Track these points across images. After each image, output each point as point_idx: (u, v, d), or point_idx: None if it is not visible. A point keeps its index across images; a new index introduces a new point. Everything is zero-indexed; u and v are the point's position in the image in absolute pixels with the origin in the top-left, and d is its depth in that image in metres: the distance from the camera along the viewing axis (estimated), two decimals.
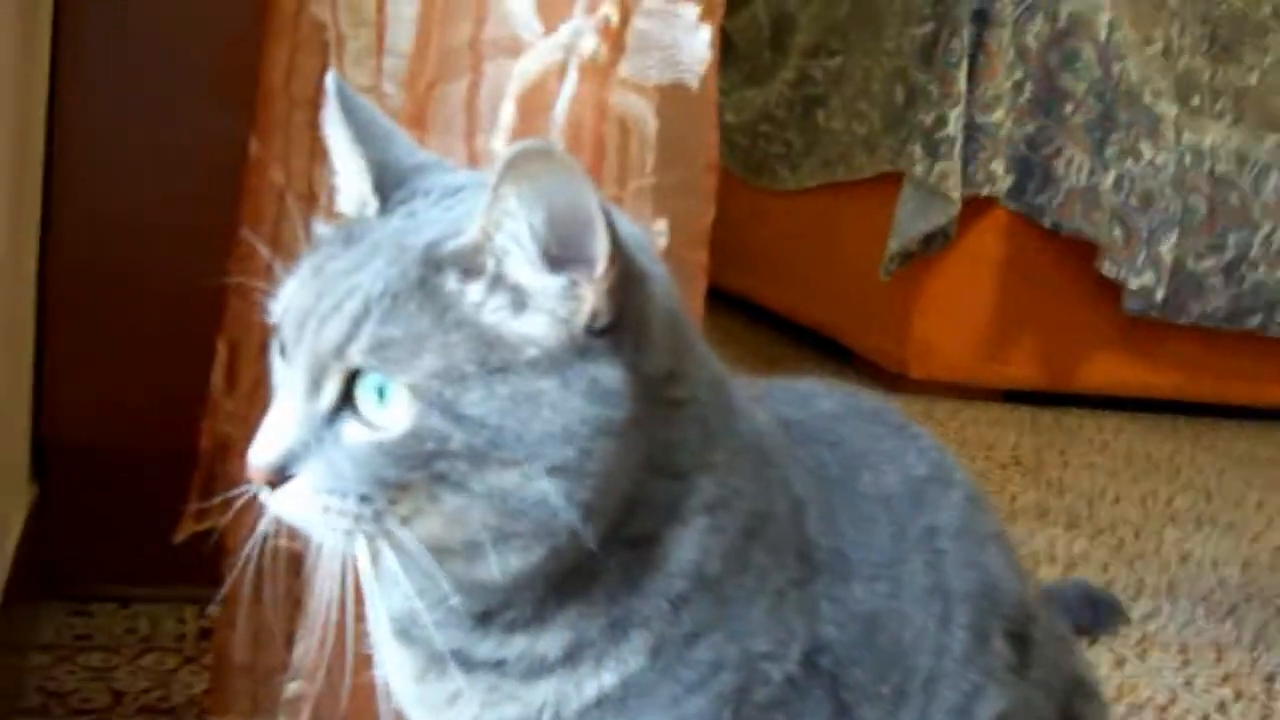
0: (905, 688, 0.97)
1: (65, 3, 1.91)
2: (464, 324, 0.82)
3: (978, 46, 3.77)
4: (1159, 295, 3.92)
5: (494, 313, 0.83)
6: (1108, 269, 3.90)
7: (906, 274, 3.91)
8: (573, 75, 1.17)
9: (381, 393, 0.82)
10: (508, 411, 0.81)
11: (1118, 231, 3.89)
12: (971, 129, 3.77)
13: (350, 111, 0.92)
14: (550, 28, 1.18)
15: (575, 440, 0.82)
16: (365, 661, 1.34)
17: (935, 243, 3.85)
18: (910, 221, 3.81)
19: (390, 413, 0.82)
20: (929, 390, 4.01)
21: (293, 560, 1.04)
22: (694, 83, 1.24)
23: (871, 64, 4.14)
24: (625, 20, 1.20)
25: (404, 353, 0.81)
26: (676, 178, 1.27)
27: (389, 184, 0.90)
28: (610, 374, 0.83)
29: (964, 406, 3.97)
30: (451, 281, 0.83)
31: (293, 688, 1.31)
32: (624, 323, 0.84)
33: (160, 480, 1.58)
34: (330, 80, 0.93)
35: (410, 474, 0.82)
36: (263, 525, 0.89)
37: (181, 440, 1.60)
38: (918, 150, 3.76)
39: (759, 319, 4.61)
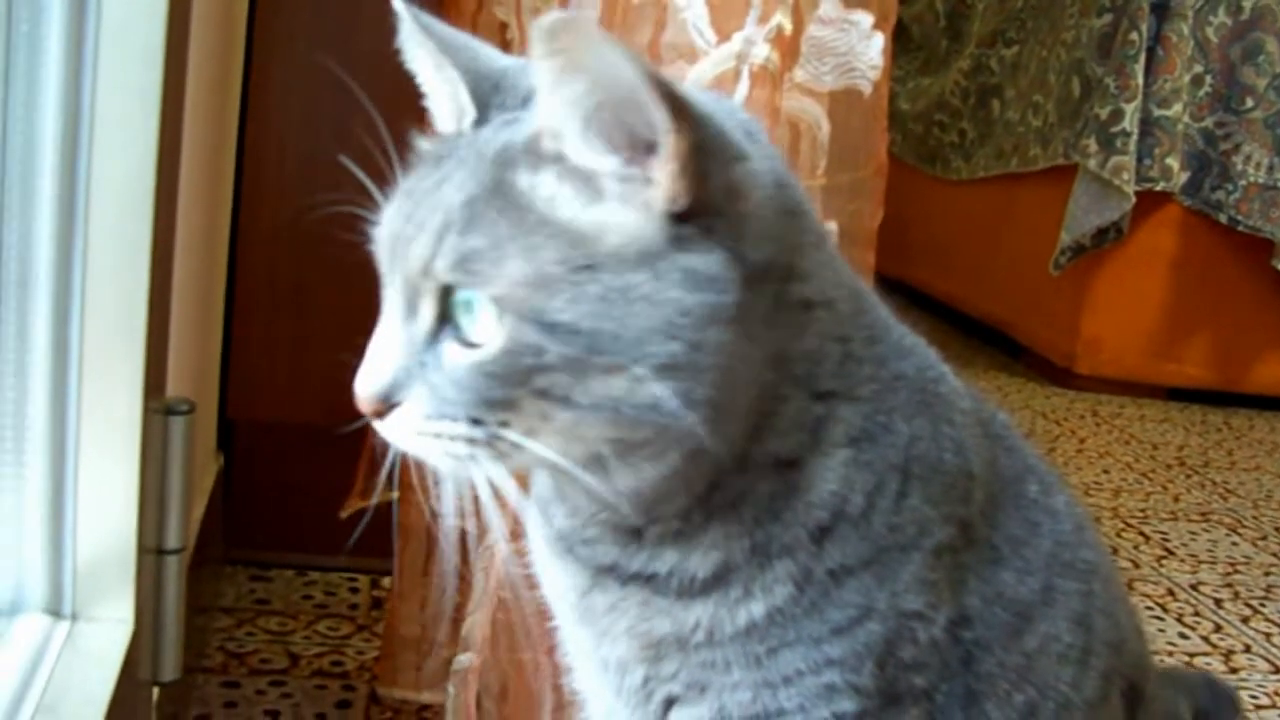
0: (1038, 709, 0.93)
1: (258, 22, 2.00)
2: (542, 223, 0.77)
3: (1157, 39, 3.73)
4: None
5: (569, 204, 0.78)
6: None
7: (1077, 269, 3.89)
8: (744, 82, 1.21)
9: (473, 309, 0.78)
10: (600, 313, 0.76)
11: None
12: (1148, 123, 3.73)
13: (428, 27, 0.87)
14: (724, 37, 1.22)
15: (680, 333, 0.77)
16: (531, 638, 1.39)
17: (1107, 237, 3.82)
18: (1083, 215, 3.79)
19: (483, 329, 0.78)
20: (1094, 386, 3.99)
21: (462, 538, 1.09)
22: (867, 88, 1.27)
23: (1048, 55, 4.10)
24: (799, 28, 1.24)
25: (487, 263, 0.77)
26: (847, 179, 1.30)
27: (484, 90, 0.85)
28: (705, 260, 0.78)
29: (1129, 404, 3.93)
30: (523, 178, 0.79)
31: (462, 660, 1.37)
32: (713, 205, 0.79)
33: (337, 456, 1.64)
34: (397, 3, 0.88)
35: (514, 391, 0.78)
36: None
37: (358, 416, 1.65)
38: (1092, 143, 3.72)
39: (926, 308, 4.58)
